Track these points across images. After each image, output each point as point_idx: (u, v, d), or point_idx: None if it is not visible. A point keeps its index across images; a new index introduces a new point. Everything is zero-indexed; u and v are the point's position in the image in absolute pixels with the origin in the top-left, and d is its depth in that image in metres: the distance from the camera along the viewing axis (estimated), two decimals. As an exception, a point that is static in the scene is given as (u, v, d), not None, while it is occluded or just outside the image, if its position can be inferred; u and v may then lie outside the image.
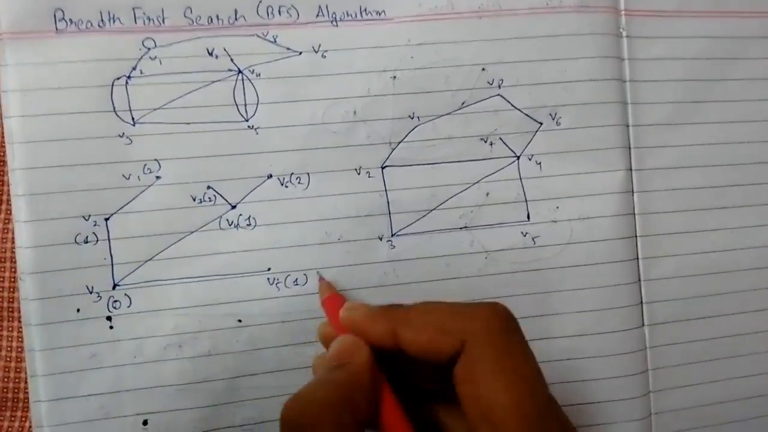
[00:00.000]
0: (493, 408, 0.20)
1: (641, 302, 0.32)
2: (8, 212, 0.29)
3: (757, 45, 0.34)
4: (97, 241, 0.28)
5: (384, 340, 0.22)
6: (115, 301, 0.28)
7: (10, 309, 0.29)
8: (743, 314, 0.34)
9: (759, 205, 0.34)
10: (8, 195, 0.29)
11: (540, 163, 0.31)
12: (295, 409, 0.19)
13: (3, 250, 0.29)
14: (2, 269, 0.29)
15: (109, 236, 0.28)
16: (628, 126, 0.32)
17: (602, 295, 0.31)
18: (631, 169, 0.32)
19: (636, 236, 0.32)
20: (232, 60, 0.29)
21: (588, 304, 0.31)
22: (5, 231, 0.29)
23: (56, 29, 0.27)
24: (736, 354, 0.34)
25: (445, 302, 0.22)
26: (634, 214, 0.32)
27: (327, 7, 0.29)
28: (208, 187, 0.29)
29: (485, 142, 0.31)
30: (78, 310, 0.27)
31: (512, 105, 0.31)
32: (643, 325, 0.32)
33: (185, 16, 0.28)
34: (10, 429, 0.29)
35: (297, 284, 0.29)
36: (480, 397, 0.20)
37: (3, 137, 0.29)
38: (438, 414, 0.23)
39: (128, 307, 0.28)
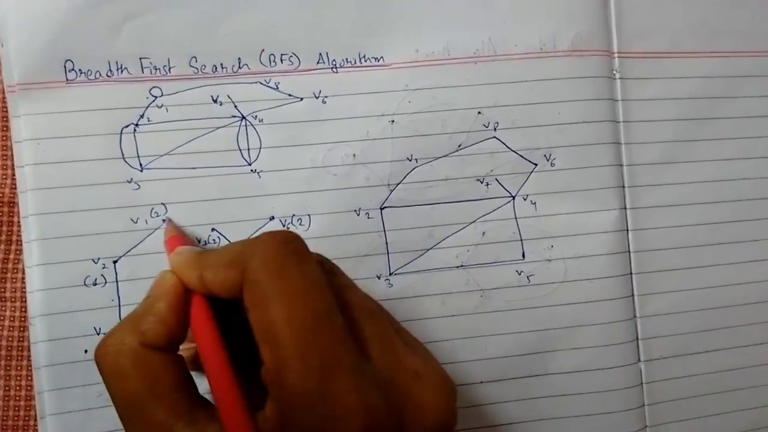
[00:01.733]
0: (268, 328, 0.20)
1: (637, 338, 0.33)
2: (17, 252, 0.30)
3: (751, 83, 0.35)
4: (105, 283, 0.29)
5: (196, 284, 0.23)
6: (122, 340, 0.29)
7: (20, 348, 0.30)
8: (739, 349, 0.34)
9: (753, 241, 0.35)
10: (17, 235, 0.30)
11: (535, 203, 0.32)
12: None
13: (13, 289, 0.30)
14: (12, 308, 0.30)
15: (117, 278, 0.29)
16: (622, 166, 0.33)
17: (598, 332, 0.32)
18: (625, 208, 0.33)
19: (631, 274, 0.33)
20: (235, 106, 0.30)
21: (583, 341, 0.32)
22: (15, 271, 0.30)
23: (66, 80, 0.28)
24: (732, 388, 0.34)
25: (241, 240, 0.23)
26: (629, 252, 0.33)
27: (327, 54, 0.30)
28: (213, 230, 0.30)
29: (481, 182, 0.32)
30: (86, 351, 0.28)
31: (507, 147, 0.32)
32: (639, 361, 0.33)
33: (191, 65, 0.29)
34: (19, 466, 0.29)
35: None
36: (259, 319, 0.20)
37: (12, 180, 0.30)
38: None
39: (134, 346, 0.29)
